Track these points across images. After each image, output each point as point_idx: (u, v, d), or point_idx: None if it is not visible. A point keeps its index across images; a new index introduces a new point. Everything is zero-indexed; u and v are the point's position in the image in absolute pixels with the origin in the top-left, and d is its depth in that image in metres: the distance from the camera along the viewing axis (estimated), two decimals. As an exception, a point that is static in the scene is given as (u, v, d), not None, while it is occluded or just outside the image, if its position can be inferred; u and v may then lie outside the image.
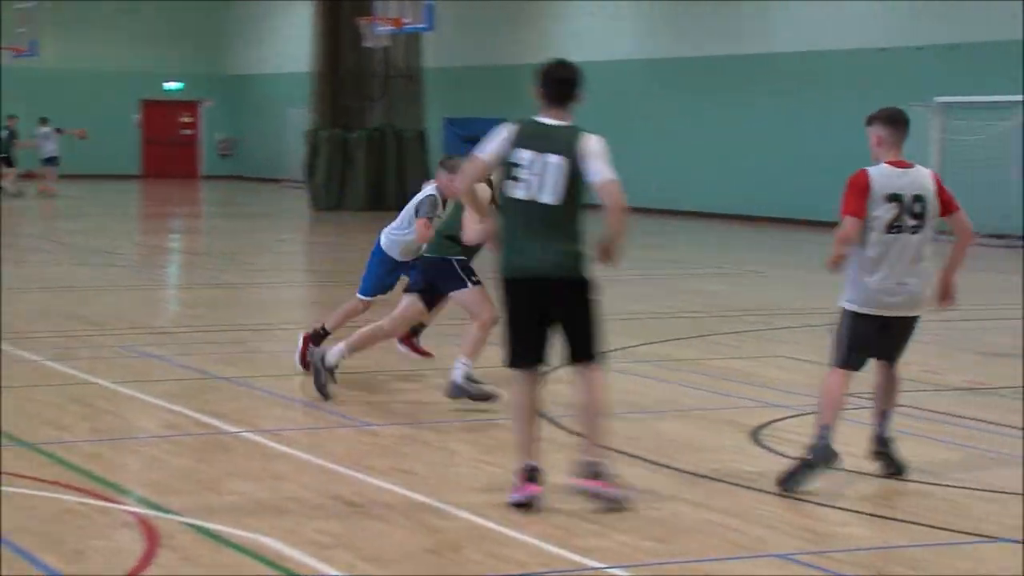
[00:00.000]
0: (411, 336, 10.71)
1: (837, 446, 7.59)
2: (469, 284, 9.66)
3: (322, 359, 9.77)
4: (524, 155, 7.06)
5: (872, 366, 7.93)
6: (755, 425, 9.18)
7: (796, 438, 8.70)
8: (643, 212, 30.45)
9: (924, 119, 23.10)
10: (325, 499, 7.22)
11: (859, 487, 7.75)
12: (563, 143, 7.03)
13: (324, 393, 9.72)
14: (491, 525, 6.80)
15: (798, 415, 9.53)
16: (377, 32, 30.09)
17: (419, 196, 10.15)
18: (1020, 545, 6.69)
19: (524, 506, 7.03)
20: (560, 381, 10.57)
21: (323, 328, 10.72)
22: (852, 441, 8.05)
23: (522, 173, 7.06)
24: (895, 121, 7.67)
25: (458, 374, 9.50)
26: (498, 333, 7.75)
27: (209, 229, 28.64)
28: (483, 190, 8.36)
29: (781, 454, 8.39)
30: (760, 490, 7.55)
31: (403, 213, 10.35)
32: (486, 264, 8.41)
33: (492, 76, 34.81)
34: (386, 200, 32.09)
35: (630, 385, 10.67)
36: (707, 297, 16.33)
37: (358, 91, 32.75)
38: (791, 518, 7.07)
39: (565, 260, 7.07)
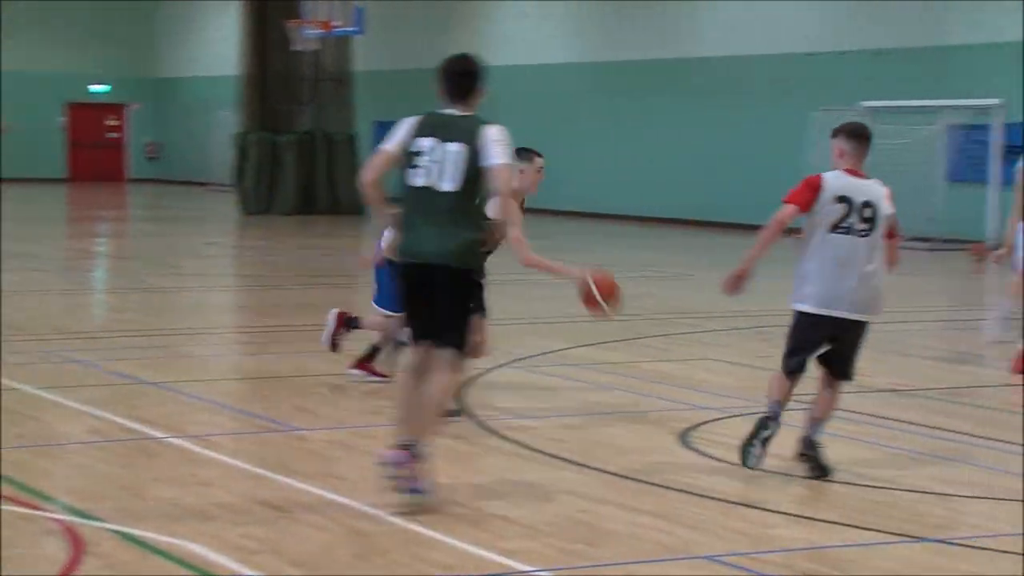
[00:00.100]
0: (367, 360, 10.47)
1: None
2: None
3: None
4: (425, 143, 7.15)
5: (818, 378, 8.06)
6: (684, 427, 9.22)
7: (725, 440, 8.75)
8: (571, 215, 30.58)
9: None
10: (252, 504, 7.17)
11: (788, 489, 7.80)
12: (464, 132, 7.12)
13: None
14: (418, 529, 6.78)
15: (726, 417, 9.58)
16: (306, 35, 29.97)
17: None
18: (944, 545, 6.77)
19: (389, 474, 7.01)
20: (494, 385, 10.59)
21: (356, 318, 10.61)
22: (781, 444, 8.10)
23: (423, 160, 7.13)
24: (857, 135, 8.03)
25: None
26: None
27: (136, 233, 28.39)
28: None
29: (710, 456, 8.43)
30: (689, 492, 7.58)
31: None
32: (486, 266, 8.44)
33: (423, 79, 34.57)
34: (316, 204, 31.99)
35: (559, 388, 10.69)
36: (636, 300, 16.38)
37: (287, 94, 32.59)
38: (720, 520, 7.10)
39: (454, 248, 7.11)
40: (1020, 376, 11.46)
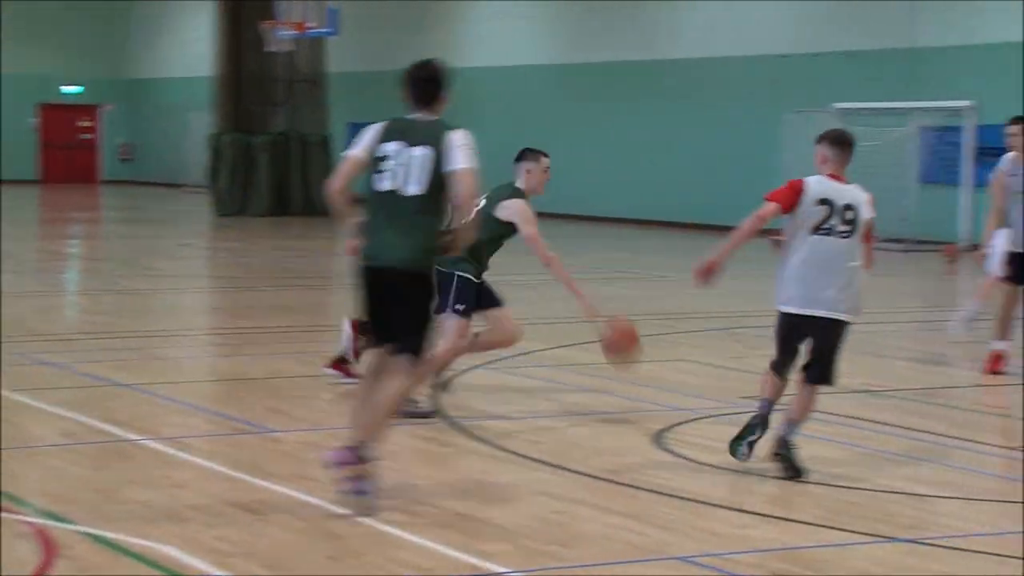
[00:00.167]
0: (343, 360, 10.37)
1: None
2: (449, 310, 9.44)
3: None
4: (391, 147, 7.20)
5: (797, 380, 8.10)
6: (658, 428, 9.24)
7: (699, 441, 8.78)
8: (542, 217, 30.58)
9: (824, 125, 23.35)
10: (225, 506, 7.16)
11: (760, 489, 7.83)
12: (430, 136, 7.17)
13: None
14: (392, 531, 6.78)
15: (701, 418, 9.61)
16: (280, 36, 29.91)
17: None
18: (916, 545, 6.80)
19: (333, 474, 7.06)
20: (470, 387, 10.59)
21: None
22: (755, 444, 8.12)
23: (388, 165, 7.17)
24: (840, 142, 8.14)
25: None
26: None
27: (109, 234, 28.30)
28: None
29: (684, 457, 8.45)
30: (662, 493, 7.59)
31: None
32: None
33: (396, 81, 34.60)
34: (290, 206, 31.91)
35: (535, 389, 10.69)
36: (610, 301, 16.39)
37: (262, 95, 32.52)
38: (693, 521, 7.12)
39: (413, 254, 7.13)
40: (992, 376, 11.54)
